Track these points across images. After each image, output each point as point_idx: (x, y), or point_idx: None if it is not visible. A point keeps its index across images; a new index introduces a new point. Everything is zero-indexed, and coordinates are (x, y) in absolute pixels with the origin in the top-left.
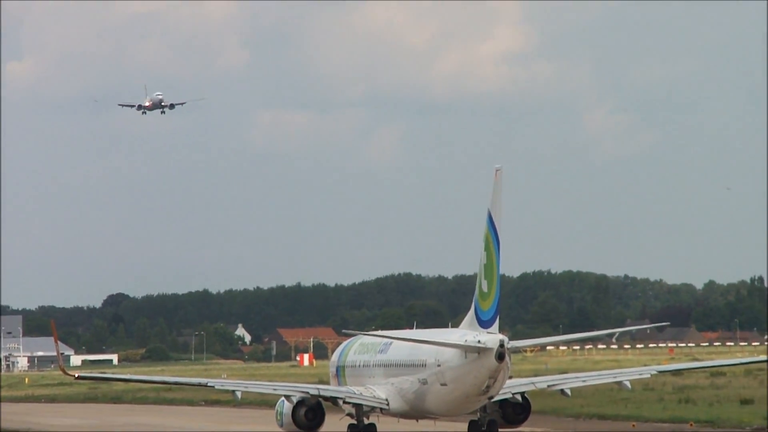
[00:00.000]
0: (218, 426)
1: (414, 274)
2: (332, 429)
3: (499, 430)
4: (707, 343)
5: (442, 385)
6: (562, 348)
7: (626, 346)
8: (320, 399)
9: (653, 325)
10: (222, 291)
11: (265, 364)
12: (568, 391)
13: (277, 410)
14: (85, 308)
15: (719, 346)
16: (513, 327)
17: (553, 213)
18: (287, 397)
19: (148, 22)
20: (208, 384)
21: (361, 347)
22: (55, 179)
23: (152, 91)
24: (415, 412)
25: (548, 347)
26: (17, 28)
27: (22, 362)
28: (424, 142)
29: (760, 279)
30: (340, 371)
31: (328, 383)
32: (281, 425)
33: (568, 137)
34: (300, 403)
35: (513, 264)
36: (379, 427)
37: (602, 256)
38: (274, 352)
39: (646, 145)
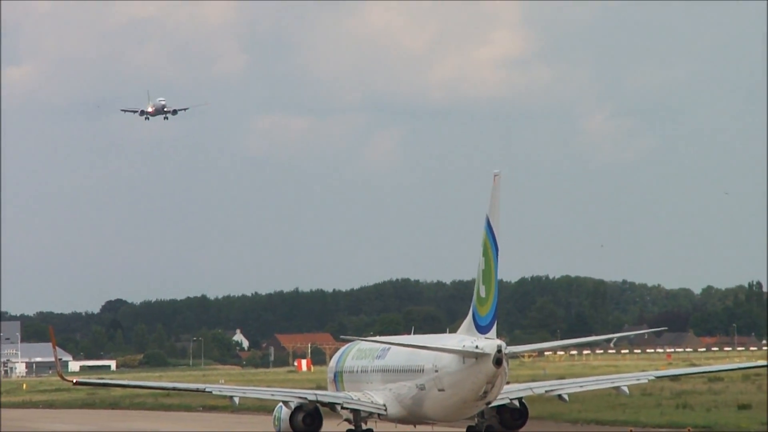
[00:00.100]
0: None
1: (412, 279)
2: None
3: None
4: (705, 349)
5: (439, 390)
6: (559, 353)
7: (624, 351)
8: (318, 404)
9: (651, 330)
10: (220, 297)
11: (263, 369)
12: (566, 397)
13: (275, 416)
14: (84, 314)
15: (717, 351)
16: (511, 332)
17: (552, 218)
18: (285, 402)
19: (146, 26)
20: (206, 389)
21: (359, 353)
22: (53, 184)
23: (155, 96)
24: (412, 417)
25: (546, 352)
26: (15, 33)
27: (20, 368)
28: (422, 146)
29: (759, 284)
30: (338, 377)
31: (325, 389)
32: (279, 431)
33: (567, 142)
34: (298, 408)
35: (511, 269)
36: None
37: (600, 262)
38: (272, 358)
39: (645, 150)
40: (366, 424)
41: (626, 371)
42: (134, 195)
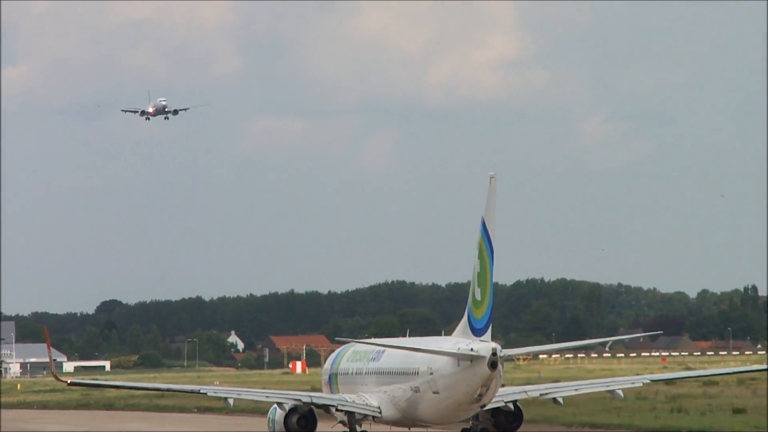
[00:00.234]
0: None
1: (407, 281)
2: None
3: None
4: (700, 353)
5: (434, 393)
6: (554, 356)
7: (619, 355)
8: (312, 406)
9: (646, 333)
10: (215, 298)
11: (258, 371)
12: (561, 400)
13: (270, 417)
14: (78, 314)
15: (712, 355)
16: (506, 335)
17: (547, 221)
18: (279, 404)
19: (142, 28)
20: (201, 391)
21: (353, 355)
22: (48, 186)
23: (155, 97)
24: (407, 419)
25: (541, 355)
26: (12, 34)
27: (15, 368)
28: (418, 148)
29: (754, 288)
30: (332, 379)
31: (320, 391)
32: None
33: (563, 145)
34: (292, 410)
35: (506, 272)
36: None
37: (595, 265)
38: (266, 360)
39: (640, 154)
40: (360, 426)
41: (621, 375)
42: (129, 196)
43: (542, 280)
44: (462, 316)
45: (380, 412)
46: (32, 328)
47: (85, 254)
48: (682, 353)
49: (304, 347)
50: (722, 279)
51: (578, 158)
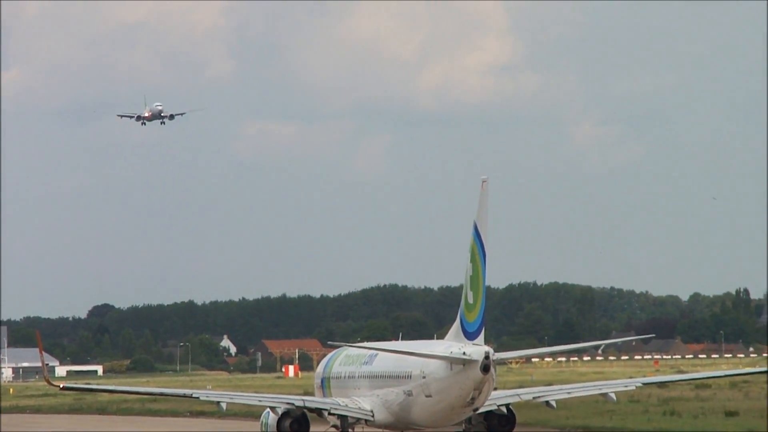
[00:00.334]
0: None
1: (400, 285)
2: None
3: None
4: (692, 356)
5: (427, 396)
6: (547, 360)
7: (612, 358)
8: (305, 410)
9: (639, 337)
10: (207, 302)
11: (251, 375)
12: (554, 403)
13: (262, 421)
14: (71, 319)
15: (704, 358)
16: (498, 338)
17: (540, 224)
18: (272, 408)
19: (136, 32)
20: (194, 395)
21: (346, 359)
22: (40, 190)
23: (151, 101)
24: (400, 423)
25: (534, 359)
26: (5, 37)
27: (7, 373)
28: (410, 153)
29: (746, 291)
30: (325, 383)
31: (313, 395)
32: None
33: (555, 148)
34: (285, 414)
35: (499, 275)
36: None
37: (588, 268)
38: (259, 364)
39: (632, 157)
40: (353, 430)
41: (614, 378)
42: (122, 200)
43: (535, 283)
44: (454, 320)
45: (373, 416)
46: (24, 333)
47: (77, 258)
48: (675, 356)
49: (297, 351)
50: (714, 282)
51: (571, 161)
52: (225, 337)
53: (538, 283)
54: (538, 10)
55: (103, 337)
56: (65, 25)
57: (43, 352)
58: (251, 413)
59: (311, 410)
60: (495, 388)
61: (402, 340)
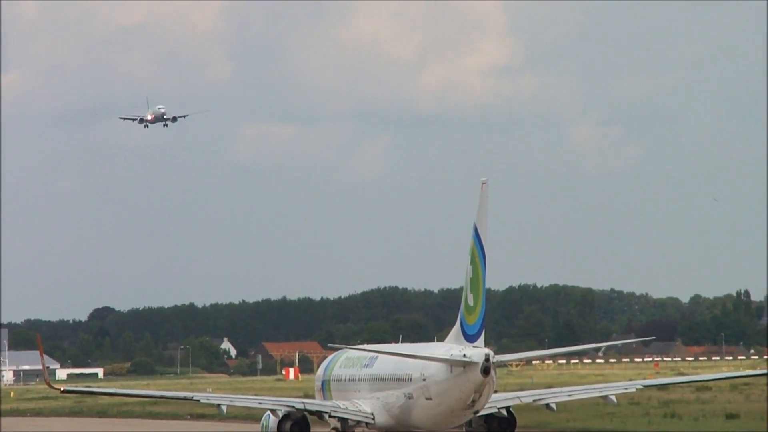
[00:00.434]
0: None
1: (400, 287)
2: None
3: None
4: (693, 358)
5: (427, 399)
6: (547, 362)
7: (612, 360)
8: (306, 413)
9: (639, 339)
10: (207, 305)
11: (251, 377)
12: (554, 406)
13: (263, 424)
14: (71, 322)
15: (705, 360)
16: (498, 341)
17: (539, 226)
18: (273, 411)
19: (134, 34)
20: (194, 398)
21: (346, 361)
22: (40, 192)
23: (154, 104)
24: (400, 426)
25: (534, 361)
26: (3, 41)
27: (8, 376)
28: (409, 155)
29: (747, 293)
30: (325, 385)
31: (313, 397)
32: None
33: (554, 150)
34: (285, 417)
35: (499, 278)
36: None
37: (588, 270)
38: (259, 366)
39: (632, 159)
40: None
41: (614, 380)
42: (122, 202)
43: (535, 285)
44: (454, 322)
45: (373, 419)
46: (25, 336)
47: (77, 261)
48: (675, 358)
49: (297, 354)
50: (715, 284)
51: (570, 163)
52: (225, 339)
53: (538, 285)
54: (538, 11)
55: (104, 339)
56: (63, 28)
57: (44, 355)
58: (252, 416)
59: (312, 413)
60: (495, 391)
61: (402, 342)
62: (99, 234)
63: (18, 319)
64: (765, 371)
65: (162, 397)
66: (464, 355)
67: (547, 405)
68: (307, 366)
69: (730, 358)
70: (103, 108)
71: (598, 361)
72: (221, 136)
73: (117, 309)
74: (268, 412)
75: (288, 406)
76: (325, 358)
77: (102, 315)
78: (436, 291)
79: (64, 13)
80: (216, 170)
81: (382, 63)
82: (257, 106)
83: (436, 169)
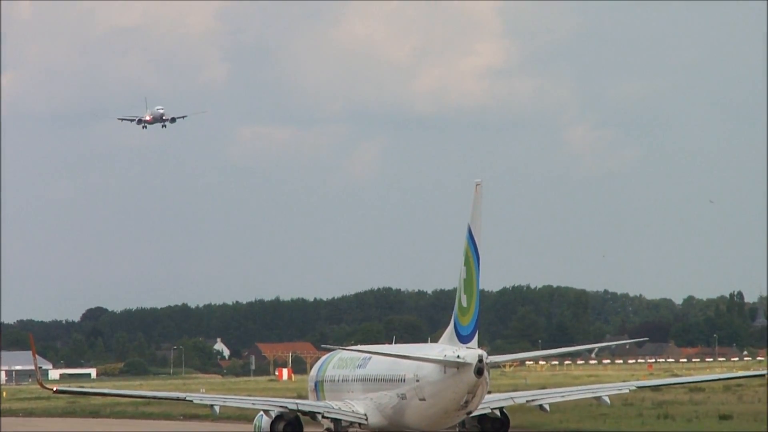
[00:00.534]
0: None
1: (393, 288)
2: None
3: None
4: (686, 359)
5: (420, 399)
6: (541, 363)
7: (605, 362)
8: (299, 414)
9: (632, 340)
10: (201, 305)
11: (244, 378)
12: (547, 407)
13: (256, 425)
14: (64, 322)
15: (698, 362)
16: (492, 342)
17: (533, 228)
18: (266, 411)
19: (130, 36)
20: (187, 398)
21: (340, 362)
22: (33, 193)
23: (152, 105)
24: (393, 426)
25: (527, 362)
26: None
27: (0, 376)
28: (404, 156)
29: (740, 295)
30: (318, 386)
31: (306, 398)
32: None
33: (549, 152)
34: (278, 417)
35: (493, 279)
36: None
37: (582, 272)
38: (252, 367)
39: (627, 161)
40: None
41: (607, 381)
42: (115, 204)
43: (528, 286)
44: (448, 323)
45: (366, 419)
46: (17, 336)
47: (70, 262)
48: (668, 360)
49: (290, 354)
50: (708, 286)
51: (565, 165)
52: (218, 340)
53: (532, 287)
54: (534, 13)
55: (97, 340)
56: (59, 29)
57: (37, 355)
58: (244, 416)
59: (305, 413)
60: (489, 392)
61: (396, 343)
62: (92, 234)
63: (11, 319)
64: (758, 372)
65: (155, 397)
66: (458, 356)
67: (541, 406)
68: (300, 366)
69: (723, 359)
70: (98, 109)
71: (592, 362)
72: (216, 137)
73: (110, 309)
74: (261, 412)
75: (281, 406)
76: (318, 358)
77: (95, 315)
78: (429, 292)
79: (60, 14)
80: (211, 171)
81: (378, 65)
82: (252, 108)
83: (431, 170)
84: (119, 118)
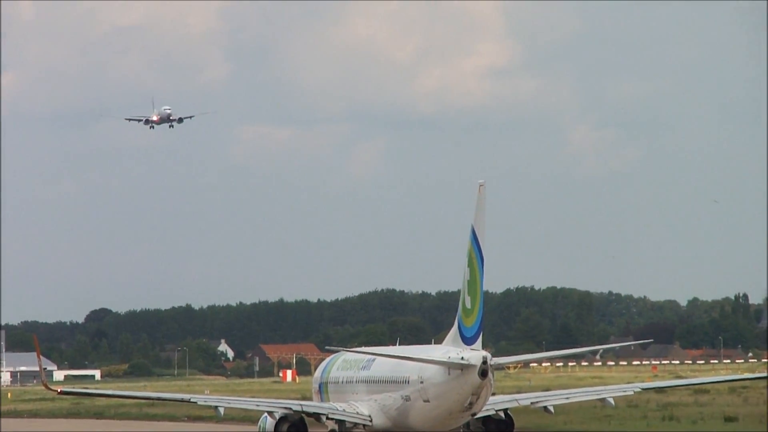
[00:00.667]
0: None
1: (397, 290)
2: None
3: None
4: (691, 361)
5: (425, 401)
6: (545, 365)
7: (610, 363)
8: (303, 415)
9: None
10: (205, 306)
11: (248, 379)
12: (552, 408)
13: (260, 426)
14: (68, 323)
15: (703, 363)
16: (496, 343)
17: (537, 229)
18: (270, 413)
19: (131, 36)
20: (191, 399)
21: (344, 363)
22: (37, 194)
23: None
24: (398, 428)
25: (531, 364)
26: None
27: (5, 377)
28: (407, 157)
29: (745, 296)
30: (323, 387)
31: (310, 399)
32: None
33: (552, 153)
34: (283, 419)
35: (497, 280)
36: None
37: (586, 273)
38: (256, 368)
39: (630, 161)
40: None
41: (612, 383)
42: (118, 204)
43: (533, 288)
44: (452, 325)
45: (371, 421)
46: (22, 337)
47: (74, 263)
48: (673, 361)
49: (294, 356)
50: (713, 287)
51: (568, 165)
52: (222, 341)
53: (536, 288)
54: (536, 13)
55: (101, 341)
56: (60, 29)
57: (41, 357)
58: (249, 418)
59: (309, 415)
60: (493, 393)
61: (400, 345)
62: (96, 236)
63: (15, 320)
64: (763, 375)
65: (159, 398)
66: (462, 358)
67: (545, 407)
68: (304, 368)
69: (728, 361)
70: (99, 109)
71: (596, 363)
72: (218, 137)
73: (114, 311)
74: (266, 414)
75: (285, 408)
76: (322, 360)
77: (99, 317)
78: (433, 293)
79: (61, 14)
80: (213, 172)
81: (380, 65)
82: (254, 108)
83: (433, 171)
84: (126, 119)
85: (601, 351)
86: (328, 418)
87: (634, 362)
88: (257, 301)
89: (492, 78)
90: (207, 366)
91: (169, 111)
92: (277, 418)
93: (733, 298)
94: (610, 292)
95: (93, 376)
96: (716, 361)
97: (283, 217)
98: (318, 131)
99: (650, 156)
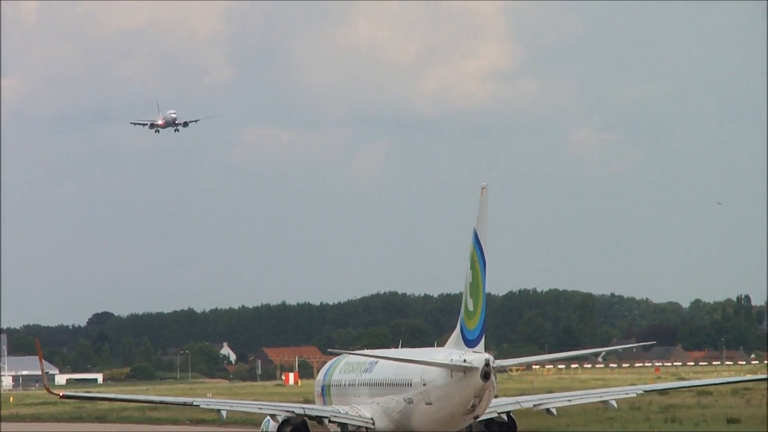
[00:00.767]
0: None
1: (399, 293)
2: None
3: None
4: (693, 363)
5: (427, 404)
6: (548, 367)
7: (612, 365)
8: (305, 418)
9: (639, 344)
10: (207, 310)
11: (251, 383)
12: (554, 410)
13: (263, 429)
14: (70, 327)
15: (705, 365)
16: (499, 346)
17: (539, 231)
18: (272, 416)
19: (134, 38)
20: (194, 403)
21: (346, 366)
22: (38, 197)
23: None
24: (400, 431)
25: (534, 366)
26: (2, 44)
27: (7, 381)
28: (409, 159)
29: (747, 298)
30: (325, 390)
31: (313, 402)
32: None
33: (554, 155)
34: (285, 422)
35: (499, 283)
36: None
37: (588, 275)
38: (259, 371)
39: (632, 163)
40: None
41: (614, 385)
42: (120, 207)
43: (535, 290)
44: (454, 327)
45: (373, 424)
46: (24, 341)
47: (76, 266)
48: (675, 363)
49: (297, 359)
50: (715, 289)
51: (570, 168)
52: (225, 344)
53: (539, 290)
54: (538, 15)
55: (103, 345)
56: (63, 32)
57: (43, 360)
58: (251, 421)
59: (312, 418)
60: (495, 396)
61: (402, 347)
62: (98, 239)
63: (17, 324)
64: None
65: (162, 402)
66: (464, 360)
67: (548, 410)
68: (306, 371)
69: (731, 362)
70: (102, 112)
71: (599, 366)
72: (220, 140)
73: (116, 314)
74: (268, 417)
75: (288, 411)
76: (324, 363)
77: (101, 320)
78: (435, 296)
79: (63, 16)
80: (215, 174)
81: (382, 67)
82: (257, 110)
83: (435, 173)
84: (132, 123)
85: (603, 353)
86: (330, 421)
87: (637, 364)
88: (259, 305)
89: (494, 80)
90: (209, 369)
91: (174, 115)
92: (280, 421)
93: (735, 299)
94: (612, 294)
95: (95, 380)
96: (718, 363)
97: (285, 219)
98: (320, 133)
99: (652, 158)
